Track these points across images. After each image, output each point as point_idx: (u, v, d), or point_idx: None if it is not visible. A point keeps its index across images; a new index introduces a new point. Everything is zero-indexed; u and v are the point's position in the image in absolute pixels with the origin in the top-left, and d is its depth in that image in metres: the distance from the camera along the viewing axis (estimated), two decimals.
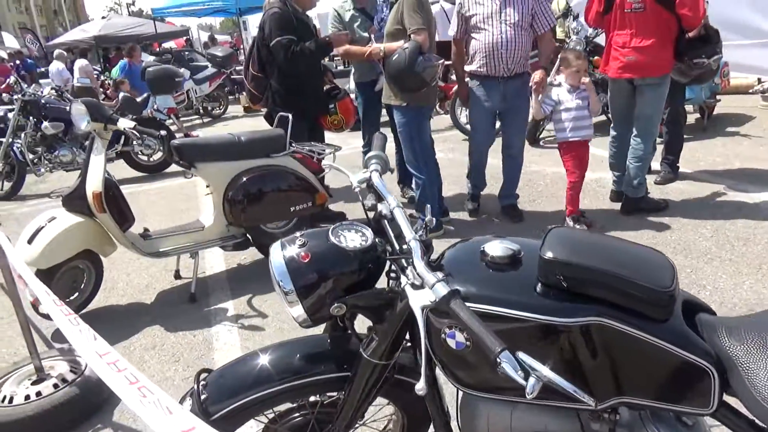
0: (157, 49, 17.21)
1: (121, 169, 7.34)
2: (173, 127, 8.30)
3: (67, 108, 7.10)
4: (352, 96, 4.77)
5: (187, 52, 14.44)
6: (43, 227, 3.10)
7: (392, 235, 1.27)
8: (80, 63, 11.59)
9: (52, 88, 7.17)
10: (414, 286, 1.09)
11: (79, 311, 3.23)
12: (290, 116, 3.69)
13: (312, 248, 1.21)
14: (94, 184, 3.16)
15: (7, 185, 6.77)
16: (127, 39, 17.32)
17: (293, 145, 3.73)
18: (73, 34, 18.20)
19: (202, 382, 1.36)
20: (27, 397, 2.39)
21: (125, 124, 3.25)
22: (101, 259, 3.40)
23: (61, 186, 7.01)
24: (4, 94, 8.56)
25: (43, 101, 6.76)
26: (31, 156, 6.71)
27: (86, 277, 3.37)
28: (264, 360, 1.38)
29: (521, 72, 3.97)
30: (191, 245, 3.53)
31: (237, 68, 13.85)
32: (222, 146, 3.56)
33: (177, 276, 3.83)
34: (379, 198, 1.38)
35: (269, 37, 4.00)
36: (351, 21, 4.40)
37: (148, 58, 11.47)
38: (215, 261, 4.07)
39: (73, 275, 3.30)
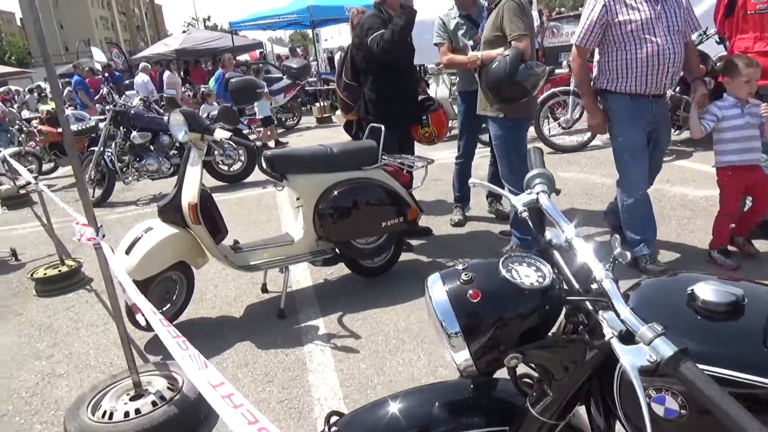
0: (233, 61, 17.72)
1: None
2: (252, 136, 8.44)
3: (155, 118, 7.36)
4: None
5: (261, 64, 14.77)
6: (140, 238, 3.10)
7: (567, 269, 1.08)
8: (167, 75, 12.06)
9: (140, 99, 7.41)
10: (622, 339, 0.88)
11: (172, 322, 3.20)
12: (383, 127, 3.57)
13: (481, 284, 1.02)
14: (189, 195, 3.13)
15: (98, 192, 7.04)
16: (206, 52, 18.02)
17: (384, 157, 3.60)
18: (156, 48, 19.09)
19: (333, 428, 1.21)
20: (126, 414, 2.34)
21: (221, 134, 3.22)
22: (193, 270, 3.38)
23: (147, 194, 7.25)
24: (97, 105, 8.99)
25: (132, 112, 6.99)
26: (119, 164, 6.95)
27: (178, 288, 3.35)
28: (395, 407, 1.21)
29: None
30: (281, 259, 3.44)
31: (310, 80, 14.05)
32: (314, 158, 3.47)
33: (264, 290, 3.76)
34: (540, 222, 1.19)
35: (364, 36, 3.95)
36: (456, 29, 4.27)
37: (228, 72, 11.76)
38: (301, 275, 3.99)
39: (166, 286, 3.29)
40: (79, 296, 4.17)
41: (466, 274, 1.04)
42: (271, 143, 9.25)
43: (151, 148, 7.07)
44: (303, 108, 13.10)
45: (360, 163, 3.52)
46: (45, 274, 4.30)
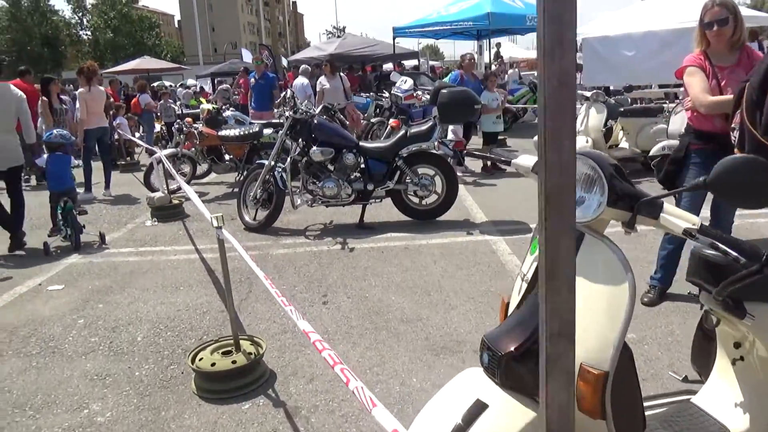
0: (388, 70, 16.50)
1: (384, 209, 5.95)
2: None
3: (339, 131, 5.92)
4: None
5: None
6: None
7: None
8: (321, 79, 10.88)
9: (324, 106, 6.01)
10: None
11: None
12: None
13: None
14: (600, 349, 1.38)
15: (261, 215, 5.72)
16: (361, 58, 16.97)
17: None
18: (309, 52, 18.43)
19: None
20: None
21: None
22: None
23: (316, 222, 5.83)
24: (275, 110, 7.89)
25: (315, 122, 5.59)
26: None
27: None
28: None
29: None
30: None
31: None
32: None
33: None
34: None
35: None
36: None
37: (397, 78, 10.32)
38: None
39: None
40: (260, 410, 2.63)
41: None
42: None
43: (331, 167, 5.63)
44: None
45: None
46: (213, 364, 2.81)
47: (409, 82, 9.77)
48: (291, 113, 5.64)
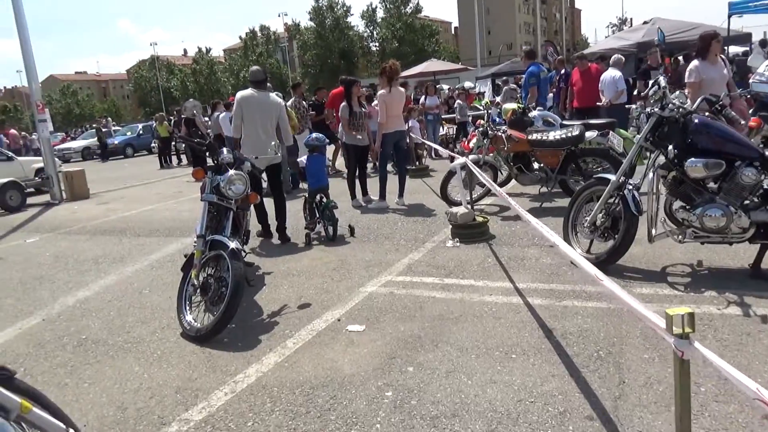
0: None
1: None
2: None
3: (731, 135, 4.07)
4: None
5: None
6: None
7: None
8: None
9: (704, 99, 4.19)
10: None
11: None
12: None
13: None
14: None
15: (600, 246, 4.20)
16: (674, 45, 14.05)
17: None
18: (609, 42, 16.10)
19: None
20: None
21: None
22: None
23: (673, 262, 3.99)
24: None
25: (696, 121, 3.83)
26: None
27: None
28: None
29: None
30: None
31: None
32: None
33: None
34: None
35: None
36: None
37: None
38: None
39: None
40: None
41: None
42: None
43: (713, 186, 3.83)
44: None
45: None
46: None
47: None
48: (655, 109, 3.99)
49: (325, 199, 5.83)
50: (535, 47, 46.50)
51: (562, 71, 11.65)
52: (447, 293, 4.04)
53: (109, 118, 35.26)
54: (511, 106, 7.21)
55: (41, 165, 11.86)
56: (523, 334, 3.26)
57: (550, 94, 11.55)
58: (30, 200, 11.04)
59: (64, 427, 1.79)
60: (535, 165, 6.54)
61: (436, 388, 2.74)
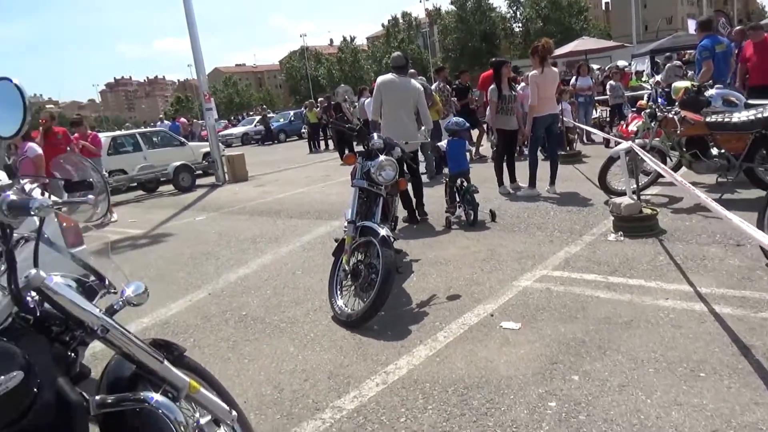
0: None
1: None
2: None
3: None
4: None
5: None
6: None
7: None
8: None
9: None
10: None
11: None
12: None
13: None
14: None
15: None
16: None
17: None
18: None
19: None
20: None
21: None
22: None
23: None
24: None
25: None
26: None
27: None
28: None
29: None
30: None
31: None
32: None
33: None
34: None
35: None
36: None
37: None
38: None
39: None
40: None
41: None
42: None
43: None
44: None
45: None
46: None
47: None
48: None
49: (465, 184, 5.80)
50: (701, 18, 41.80)
51: (743, 43, 10.17)
52: (613, 293, 3.64)
53: (265, 106, 38.11)
54: (683, 84, 6.39)
55: (208, 149, 13.01)
56: (712, 348, 2.80)
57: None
58: (198, 182, 12.17)
59: (228, 408, 1.80)
60: (714, 151, 5.72)
61: (608, 404, 2.43)
